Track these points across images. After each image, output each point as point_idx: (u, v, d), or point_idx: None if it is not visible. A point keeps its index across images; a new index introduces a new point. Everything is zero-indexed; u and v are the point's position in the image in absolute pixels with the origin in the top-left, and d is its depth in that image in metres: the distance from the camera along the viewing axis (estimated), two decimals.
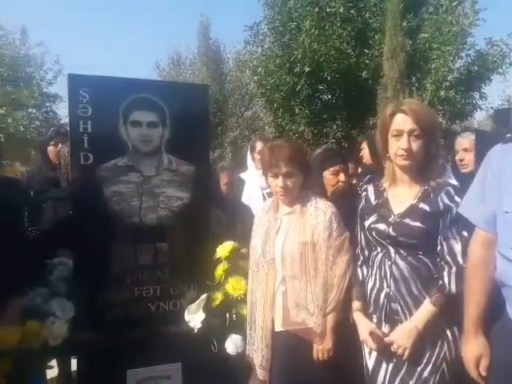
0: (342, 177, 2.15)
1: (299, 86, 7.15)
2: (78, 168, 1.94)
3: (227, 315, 2.06)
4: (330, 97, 7.88)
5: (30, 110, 13.37)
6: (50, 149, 2.78)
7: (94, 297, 1.95)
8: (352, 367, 1.85)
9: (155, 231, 2.04)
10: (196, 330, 1.99)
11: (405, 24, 6.28)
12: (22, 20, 18.94)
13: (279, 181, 1.84)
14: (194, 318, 1.99)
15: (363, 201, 1.79)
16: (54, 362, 2.37)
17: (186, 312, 2.01)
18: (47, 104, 14.30)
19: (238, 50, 13.23)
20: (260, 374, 1.87)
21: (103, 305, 1.96)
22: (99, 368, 1.91)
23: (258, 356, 1.87)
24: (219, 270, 2.09)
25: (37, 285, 1.91)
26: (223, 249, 2.11)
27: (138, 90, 2.03)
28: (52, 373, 2.62)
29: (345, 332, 1.82)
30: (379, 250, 1.69)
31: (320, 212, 1.86)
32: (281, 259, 1.84)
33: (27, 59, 13.99)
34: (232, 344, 2.03)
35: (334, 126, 7.24)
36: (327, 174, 2.15)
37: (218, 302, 2.04)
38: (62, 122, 14.56)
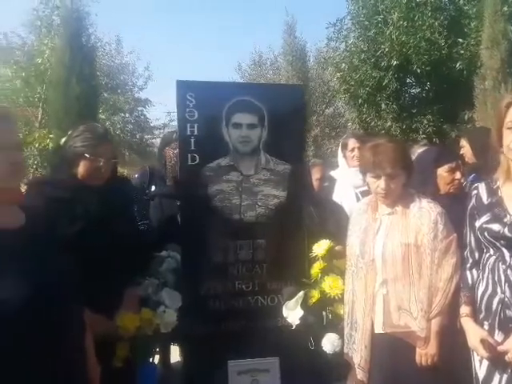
0: (458, 174, 2.07)
1: (386, 81, 6.93)
2: (186, 168, 2.08)
3: (323, 313, 2.08)
4: (419, 90, 7.54)
5: (123, 114, 14.44)
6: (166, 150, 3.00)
7: (199, 288, 2.08)
8: (459, 375, 1.76)
9: (254, 228, 2.13)
10: (294, 326, 2.03)
11: (506, 9, 5.78)
12: (117, 30, 20.42)
13: (381, 182, 1.80)
14: (292, 314, 2.03)
15: (473, 200, 1.69)
16: None
17: (283, 308, 2.06)
18: (138, 108, 15.34)
19: (320, 48, 13.14)
20: (359, 373, 1.86)
21: (207, 296, 2.09)
22: (202, 357, 2.04)
23: (358, 356, 1.86)
24: (315, 268, 2.11)
25: (148, 275, 2.09)
26: (320, 247, 2.13)
27: (239, 93, 2.13)
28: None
29: (450, 337, 1.75)
30: (492, 252, 1.59)
31: (424, 213, 1.79)
32: (381, 261, 1.81)
33: (121, 67, 15.12)
34: (329, 343, 2.04)
35: (425, 121, 6.90)
36: (442, 172, 2.08)
37: (314, 300, 2.07)
38: (151, 124, 15.65)
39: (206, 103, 2.08)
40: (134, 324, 1.82)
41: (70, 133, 1.91)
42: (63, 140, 1.94)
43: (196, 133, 2.07)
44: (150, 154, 14.45)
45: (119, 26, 42.44)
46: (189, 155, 2.06)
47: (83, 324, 1.37)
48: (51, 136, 6.25)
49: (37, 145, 6.74)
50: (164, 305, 1.98)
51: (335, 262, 2.14)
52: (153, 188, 2.92)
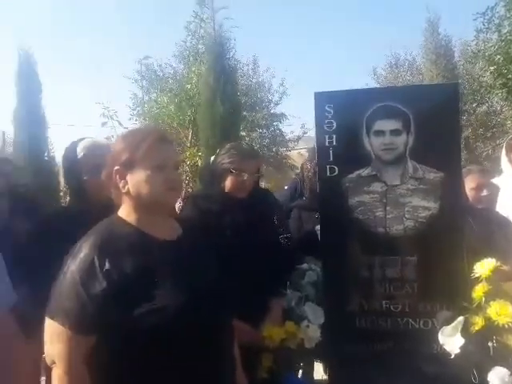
0: None
1: None
2: (324, 180, 2.03)
3: (489, 344, 1.79)
4: None
5: (260, 130, 15.14)
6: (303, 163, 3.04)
7: (342, 305, 1.99)
8: None
9: (402, 243, 1.95)
10: (453, 356, 1.80)
11: None
12: (253, 51, 21.67)
13: None
14: (451, 341, 1.80)
15: None
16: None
17: (439, 333, 1.84)
18: (274, 123, 15.91)
19: (467, 41, 11.88)
20: None
21: (351, 314, 1.99)
22: (347, 376, 1.94)
23: None
24: (478, 291, 1.83)
25: (291, 288, 2.08)
26: (483, 267, 1.85)
27: (380, 98, 1.99)
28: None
29: None
30: None
31: None
32: None
33: (258, 85, 15.92)
34: (497, 378, 1.74)
35: None
36: None
37: (477, 328, 1.79)
38: (286, 138, 16.07)
39: (344, 112, 2.01)
40: (279, 336, 1.83)
41: (218, 151, 2.05)
42: (212, 158, 2.09)
43: (335, 143, 2.00)
44: (285, 166, 14.86)
45: (255, 46, 45.08)
46: (327, 167, 2.01)
47: (233, 332, 1.42)
48: (200, 154, 6.88)
49: (188, 162, 7.48)
50: (307, 319, 1.96)
51: (503, 286, 1.84)
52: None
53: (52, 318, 1.15)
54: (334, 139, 2.01)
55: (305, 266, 2.21)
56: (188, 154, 7.58)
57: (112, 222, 1.28)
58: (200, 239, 1.45)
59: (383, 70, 15.94)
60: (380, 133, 1.98)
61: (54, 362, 1.16)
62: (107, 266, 1.15)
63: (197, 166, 7.03)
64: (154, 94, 10.55)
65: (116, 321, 1.14)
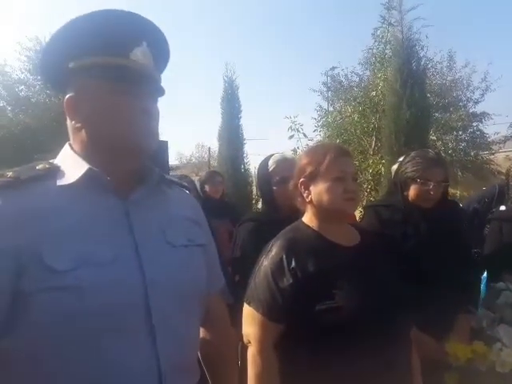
0: None
1: None
2: None
3: None
4: None
5: (456, 132, 13.73)
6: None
7: None
8: None
9: None
10: None
11: None
12: (449, 46, 19.78)
13: None
14: None
15: None
16: None
17: None
18: (473, 124, 14.25)
19: None
20: None
21: None
22: None
23: None
24: None
25: (483, 307, 1.92)
26: None
27: None
28: None
29: None
30: None
31: None
32: None
33: (454, 83, 14.51)
34: None
35: None
36: None
37: None
38: (489, 140, 14.15)
39: None
40: (465, 355, 1.72)
41: (401, 159, 2.04)
42: (395, 166, 2.09)
43: None
44: (488, 172, 13.08)
45: (452, 40, 41.00)
46: None
47: (409, 341, 1.41)
48: (383, 162, 6.74)
49: (370, 170, 7.40)
50: (501, 342, 1.77)
51: None
52: (502, 208, 2.66)
53: (249, 303, 1.36)
54: None
55: (501, 284, 2.00)
56: (370, 161, 7.50)
57: (297, 227, 1.45)
58: (381, 248, 1.50)
59: None
60: None
61: (249, 342, 1.36)
62: (293, 264, 1.31)
63: (379, 173, 6.90)
64: (339, 104, 10.76)
65: (300, 313, 1.28)
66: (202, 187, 3.57)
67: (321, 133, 10.26)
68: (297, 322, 1.30)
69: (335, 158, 1.38)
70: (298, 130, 7.55)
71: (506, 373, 1.73)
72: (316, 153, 1.45)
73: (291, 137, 7.50)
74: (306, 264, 1.31)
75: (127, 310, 0.83)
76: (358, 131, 8.94)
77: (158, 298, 0.87)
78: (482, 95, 13.95)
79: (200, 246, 1.02)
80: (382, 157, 7.08)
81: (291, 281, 1.29)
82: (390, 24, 7.69)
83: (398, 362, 1.32)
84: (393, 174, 2.18)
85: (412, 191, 1.91)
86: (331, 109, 11.38)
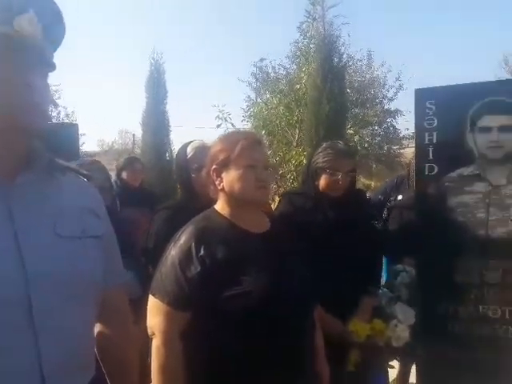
0: None
1: None
2: (423, 179, 1.99)
3: None
4: None
5: (372, 127, 14.62)
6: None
7: (435, 308, 1.94)
8: None
9: (504, 247, 1.84)
10: None
11: None
12: (369, 46, 20.94)
13: None
14: None
15: None
16: (395, 363, 2.49)
17: None
18: (388, 120, 15.24)
19: None
20: None
21: (445, 317, 1.93)
22: (438, 381, 1.89)
23: None
24: None
25: (383, 287, 2.08)
26: None
27: (486, 93, 1.89)
28: (393, 373, 2.76)
29: None
30: None
31: None
32: None
33: (371, 81, 15.38)
34: None
35: None
36: None
37: None
38: (400, 135, 15.29)
39: (447, 109, 1.95)
40: (365, 332, 1.86)
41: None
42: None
43: (435, 141, 1.95)
44: (398, 165, 14.14)
45: (372, 41, 43.49)
46: (426, 165, 1.97)
47: (314, 323, 1.48)
48: (305, 153, 7.00)
49: (293, 161, 7.65)
50: (397, 319, 1.94)
51: None
52: (399, 197, 2.90)
53: (154, 294, 1.33)
54: (435, 137, 1.96)
55: (399, 266, 2.19)
56: (294, 153, 7.74)
57: (209, 215, 1.44)
58: (290, 234, 1.54)
59: None
60: (486, 129, 1.88)
61: (153, 333, 1.33)
62: (202, 252, 1.30)
63: (302, 165, 7.17)
64: (266, 96, 10.94)
65: (208, 301, 1.29)
66: (120, 174, 3.40)
67: (248, 123, 10.39)
68: (204, 310, 1.30)
69: (247, 145, 1.39)
70: (225, 119, 7.55)
71: (400, 346, 1.91)
72: (228, 140, 1.45)
73: (219, 126, 7.49)
74: (215, 251, 1.31)
75: (4, 305, 0.77)
76: (282, 123, 9.16)
77: (41, 292, 0.81)
78: (396, 93, 14.94)
79: (95, 237, 0.96)
80: (304, 148, 7.35)
81: (199, 269, 1.28)
82: (314, 19, 7.94)
83: (303, 343, 1.37)
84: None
85: (322, 181, 2.00)
86: (259, 100, 11.53)
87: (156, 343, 1.31)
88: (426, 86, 2.06)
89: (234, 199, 1.41)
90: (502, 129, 1.86)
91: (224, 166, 1.40)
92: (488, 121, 1.88)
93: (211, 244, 1.32)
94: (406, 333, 1.89)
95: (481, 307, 1.88)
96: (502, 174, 1.86)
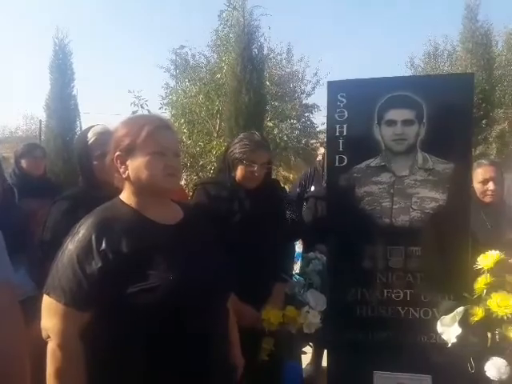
0: None
1: None
2: (334, 169, 2.05)
3: (488, 334, 1.79)
4: None
5: (291, 121, 15.01)
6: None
7: (345, 293, 2.03)
8: None
9: (407, 233, 1.96)
10: (450, 345, 1.81)
11: None
12: (287, 40, 21.43)
13: None
14: (448, 331, 1.81)
15: None
16: (308, 349, 2.58)
17: (438, 323, 1.85)
18: (305, 114, 15.73)
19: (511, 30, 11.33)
20: None
21: (353, 302, 2.02)
22: (347, 364, 1.99)
23: None
24: (480, 283, 1.83)
25: (297, 274, 2.13)
26: (487, 259, 1.84)
27: (394, 88, 1.99)
28: (307, 358, 2.86)
29: None
30: None
31: None
32: None
33: (291, 75, 15.75)
34: (494, 368, 1.75)
35: None
36: None
37: (477, 319, 1.80)
38: (317, 129, 15.88)
39: (357, 102, 2.01)
40: (277, 320, 1.88)
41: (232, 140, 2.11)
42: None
43: (345, 133, 2.02)
44: (315, 158, 14.70)
45: (291, 36, 44.59)
46: (337, 156, 2.03)
47: (228, 314, 1.44)
48: (225, 144, 6.98)
49: (214, 152, 7.59)
50: (308, 305, 2.00)
51: (508, 278, 1.82)
52: (312, 188, 3.00)
53: (48, 294, 1.20)
54: (345, 129, 2.03)
55: (311, 254, 2.26)
56: (215, 143, 7.69)
57: (113, 205, 1.33)
58: (204, 224, 1.48)
59: (421, 61, 15.47)
60: (391, 122, 1.98)
61: (48, 336, 1.21)
62: (104, 245, 1.19)
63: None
64: (186, 84, 10.69)
65: (110, 298, 1.19)
66: (18, 162, 3.08)
67: (166, 111, 10.10)
68: (106, 309, 1.20)
69: (154, 130, 1.30)
70: (141, 106, 7.25)
71: (312, 333, 1.97)
72: (133, 124, 1.33)
73: (134, 112, 7.15)
74: (119, 245, 1.21)
75: None
76: (202, 113, 9.03)
77: None
78: (313, 88, 15.44)
79: None
80: (225, 139, 7.32)
81: (100, 264, 1.18)
82: (234, 8, 7.89)
83: (216, 335, 1.33)
84: None
85: (239, 172, 1.99)
86: (178, 87, 11.23)
87: (51, 346, 1.19)
88: (333, 80, 2.11)
89: (140, 188, 1.31)
90: (406, 122, 1.97)
91: (129, 152, 1.29)
92: (393, 115, 1.98)
93: (115, 236, 1.22)
94: (317, 319, 1.96)
95: (386, 291, 1.99)
96: (404, 165, 1.98)
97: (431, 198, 1.95)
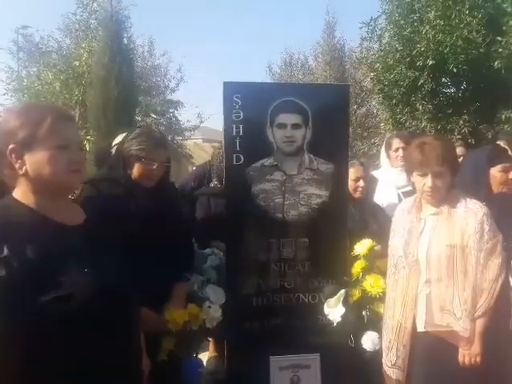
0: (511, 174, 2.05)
1: (421, 81, 6.78)
2: (231, 168, 2.14)
3: (364, 312, 2.10)
4: (455, 90, 7.36)
5: (156, 116, 14.63)
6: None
7: (242, 285, 2.14)
8: (501, 375, 1.78)
9: (296, 227, 2.17)
10: (335, 324, 2.07)
11: None
12: (150, 32, 20.80)
13: (428, 180, 1.81)
14: (333, 311, 2.07)
15: None
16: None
17: (325, 305, 2.10)
18: (170, 110, 15.52)
19: (352, 48, 13.01)
20: (394, 373, 1.88)
21: (250, 293, 2.15)
22: (245, 352, 2.10)
23: (391, 355, 1.88)
24: (357, 267, 2.14)
25: (194, 272, 2.16)
26: (362, 246, 2.15)
27: (284, 93, 2.16)
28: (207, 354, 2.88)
29: (493, 338, 1.77)
30: None
31: (470, 213, 1.80)
32: (426, 261, 1.82)
33: (154, 69, 15.36)
34: (369, 340, 2.07)
35: (460, 122, 6.71)
36: (495, 172, 2.07)
37: (355, 298, 2.10)
38: (183, 126, 15.80)
39: (251, 104, 2.13)
40: (182, 319, 1.89)
41: (125, 134, 1.99)
42: (118, 140, 2.03)
43: (241, 133, 2.12)
44: (181, 155, 14.63)
45: (152, 29, 43.32)
46: (234, 155, 2.12)
47: (139, 319, 1.40)
48: (88, 137, 6.47)
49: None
50: (209, 300, 2.05)
51: (377, 262, 2.16)
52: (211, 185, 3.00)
53: None
54: (241, 129, 2.12)
55: (208, 250, 2.30)
56: None
57: (7, 205, 1.19)
58: (104, 225, 1.40)
59: (278, 68, 16.58)
60: (282, 126, 2.15)
61: None
62: (6, 252, 1.07)
63: (84, 150, 6.61)
64: (35, 69, 9.56)
65: (17, 311, 1.07)
66: None
67: (13, 97, 8.90)
68: (12, 322, 1.08)
69: (57, 122, 1.19)
70: None
71: (214, 327, 2.02)
72: (30, 114, 1.20)
73: None
74: (23, 250, 1.09)
75: None
76: (59, 102, 8.21)
77: None
78: (177, 85, 15.35)
79: None
80: (87, 132, 6.78)
81: (4, 273, 1.05)
82: None
83: (130, 341, 1.30)
84: (113, 148, 2.10)
85: (136, 170, 1.91)
86: (24, 72, 9.97)
87: None
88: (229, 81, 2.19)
89: (40, 185, 1.19)
90: (294, 126, 2.16)
91: (27, 145, 1.16)
92: (283, 118, 2.15)
93: (16, 241, 1.09)
94: (219, 313, 2.02)
95: (279, 280, 2.17)
96: (294, 165, 2.17)
97: (316, 194, 2.19)
